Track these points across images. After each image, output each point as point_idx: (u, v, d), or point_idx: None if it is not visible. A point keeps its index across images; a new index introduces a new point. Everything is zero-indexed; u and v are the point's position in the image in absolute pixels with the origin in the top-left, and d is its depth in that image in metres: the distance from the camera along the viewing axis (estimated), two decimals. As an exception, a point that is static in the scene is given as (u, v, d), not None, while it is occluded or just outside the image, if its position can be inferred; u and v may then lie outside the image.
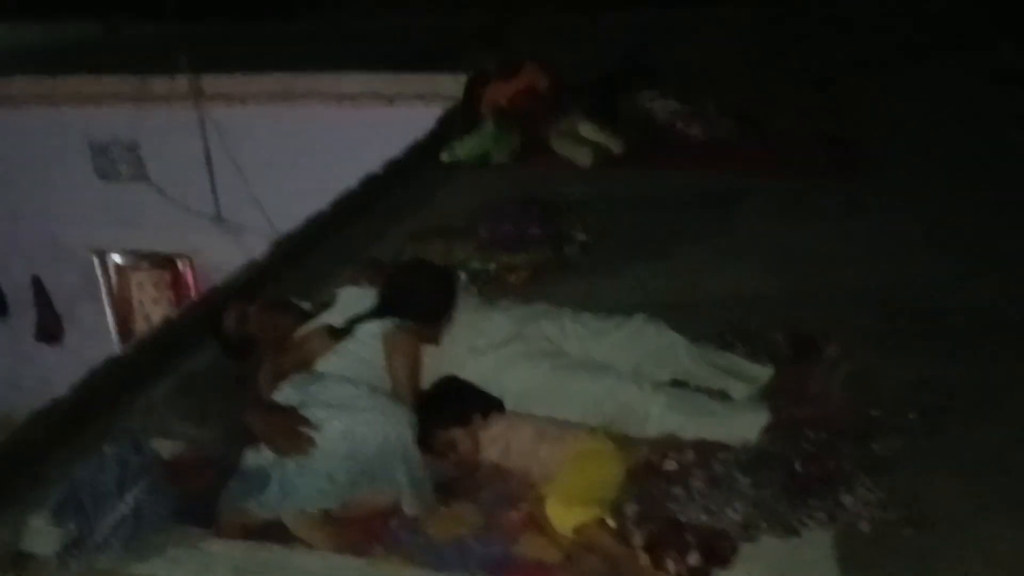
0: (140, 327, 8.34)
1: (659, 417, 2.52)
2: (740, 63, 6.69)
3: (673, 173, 4.85)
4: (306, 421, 2.30)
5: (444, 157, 5.15)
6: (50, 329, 8.73)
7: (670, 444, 2.45)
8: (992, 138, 5.00)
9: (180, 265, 8.31)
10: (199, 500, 2.40)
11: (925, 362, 2.84)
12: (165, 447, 2.61)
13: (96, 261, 8.41)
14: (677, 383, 2.70)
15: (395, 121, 6.50)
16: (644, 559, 2.07)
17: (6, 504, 2.47)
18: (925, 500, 2.23)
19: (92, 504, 2.32)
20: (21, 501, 2.47)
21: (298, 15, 9.35)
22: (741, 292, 3.46)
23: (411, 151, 5.28)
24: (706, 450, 2.41)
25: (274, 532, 2.28)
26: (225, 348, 2.88)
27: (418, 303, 2.70)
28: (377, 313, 2.66)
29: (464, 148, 5.17)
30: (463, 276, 3.58)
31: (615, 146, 5.08)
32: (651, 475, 2.34)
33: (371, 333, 2.61)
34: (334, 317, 2.72)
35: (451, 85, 6.25)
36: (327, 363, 2.58)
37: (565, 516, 2.15)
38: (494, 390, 2.60)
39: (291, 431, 2.30)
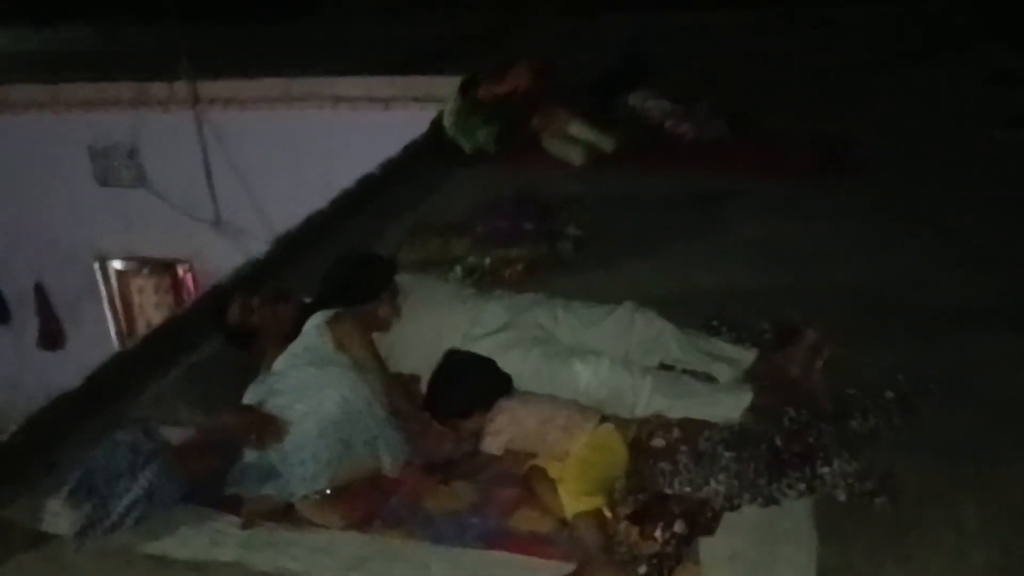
0: (141, 332, 8.44)
1: (647, 399, 2.63)
2: (734, 65, 6.83)
3: (665, 172, 4.96)
4: (268, 414, 2.49)
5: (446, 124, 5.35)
6: (52, 335, 8.83)
7: (658, 423, 2.56)
8: (977, 137, 5.12)
9: (180, 269, 8.41)
10: (207, 482, 2.52)
11: (901, 349, 2.97)
12: (173, 433, 2.71)
13: (97, 267, 8.51)
14: (664, 367, 2.82)
15: (391, 123, 6.63)
16: (633, 531, 2.18)
17: (23, 488, 2.59)
18: (899, 473, 2.35)
19: (106, 487, 2.44)
20: (37, 485, 2.59)
21: (296, 20, 9.45)
22: (729, 287, 3.57)
23: (407, 151, 5.40)
24: (692, 428, 2.52)
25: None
26: (230, 339, 2.99)
27: (346, 290, 2.88)
28: (315, 307, 2.81)
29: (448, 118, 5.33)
30: (458, 270, 3.74)
31: (607, 145, 5.20)
32: (640, 452, 2.45)
33: (314, 325, 2.73)
34: None
35: (446, 87, 6.35)
36: (282, 360, 2.71)
37: (576, 502, 2.23)
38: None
39: (258, 426, 2.48)
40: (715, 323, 3.11)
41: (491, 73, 5.50)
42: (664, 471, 2.37)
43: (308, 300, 2.99)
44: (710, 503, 2.27)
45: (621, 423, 2.58)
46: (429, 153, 5.42)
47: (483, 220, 3.97)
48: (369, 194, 4.80)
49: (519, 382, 2.69)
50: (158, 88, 7.45)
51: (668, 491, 2.30)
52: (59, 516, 2.43)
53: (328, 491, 2.42)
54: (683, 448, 2.45)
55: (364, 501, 2.44)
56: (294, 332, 2.78)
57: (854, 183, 4.57)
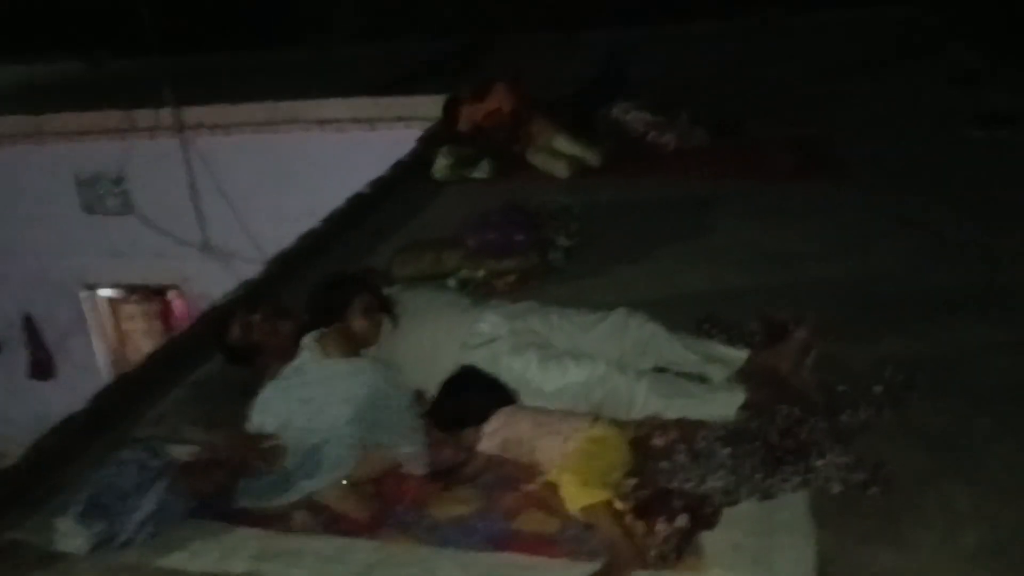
0: (132, 359, 8.45)
1: (643, 401, 2.70)
2: (712, 74, 6.95)
3: (650, 181, 5.06)
4: (267, 439, 2.60)
5: (435, 172, 5.37)
6: (42, 365, 8.82)
7: (655, 424, 2.63)
8: (952, 137, 5.24)
9: (169, 296, 8.42)
10: (215, 497, 2.56)
11: (888, 342, 3.05)
12: (178, 452, 2.76)
13: (86, 295, 8.52)
14: (659, 369, 2.88)
15: (377, 143, 6.70)
16: (638, 526, 2.23)
17: (33, 510, 2.62)
18: (890, 464, 2.41)
19: (115, 505, 2.48)
20: (46, 507, 2.62)
21: (278, 46, 9.52)
22: (718, 289, 3.66)
23: (395, 169, 5.47)
24: (688, 428, 2.59)
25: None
26: (231, 357, 3.04)
27: (320, 311, 2.96)
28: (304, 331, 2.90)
29: (440, 169, 5.38)
30: (451, 283, 3.80)
31: (592, 158, 5.29)
32: (639, 452, 2.51)
33: (305, 346, 2.81)
34: None
35: (429, 106, 6.44)
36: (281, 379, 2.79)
37: (578, 496, 2.28)
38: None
39: (261, 451, 2.57)
40: (706, 325, 3.18)
41: (471, 95, 5.59)
42: (664, 470, 2.44)
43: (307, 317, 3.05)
44: (710, 498, 2.33)
45: (619, 425, 2.65)
46: (417, 171, 5.49)
47: (474, 234, 4.03)
48: (360, 212, 4.86)
49: (517, 387, 2.76)
50: (143, 115, 7.50)
51: (670, 487, 2.35)
52: (70, 536, 2.45)
53: (345, 483, 2.50)
54: (681, 447, 2.52)
55: (380, 490, 2.53)
56: (294, 348, 2.83)
57: (834, 184, 4.67)
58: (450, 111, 5.72)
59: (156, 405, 3.06)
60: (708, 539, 2.23)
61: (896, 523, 2.23)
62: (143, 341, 8.53)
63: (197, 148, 7.53)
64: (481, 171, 5.37)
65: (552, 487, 2.39)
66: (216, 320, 3.19)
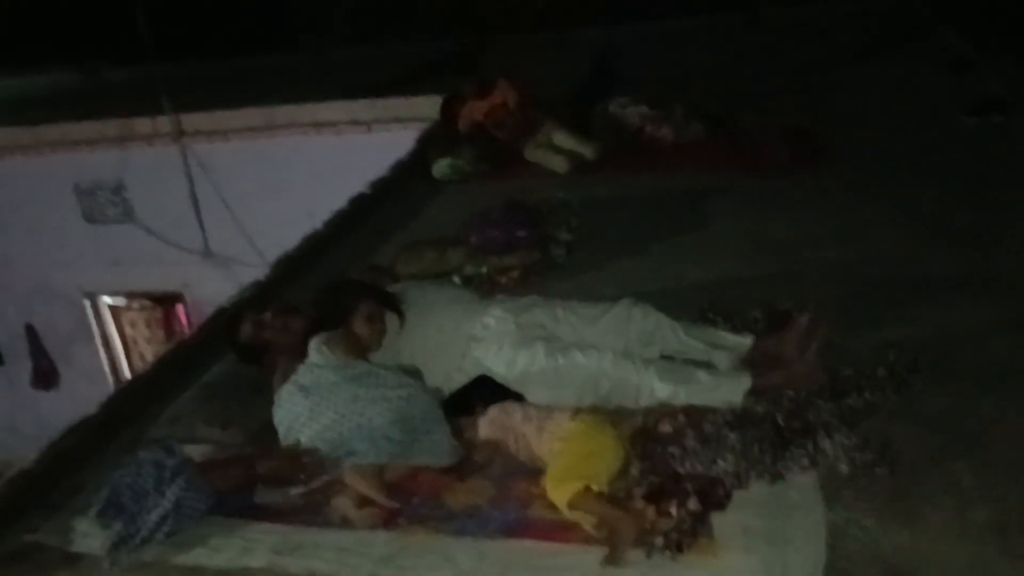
0: (135, 367, 8.48)
1: (651, 389, 2.74)
2: (706, 68, 6.99)
3: (648, 175, 5.10)
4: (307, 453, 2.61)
5: (435, 172, 5.42)
6: (45, 375, 8.85)
7: (663, 411, 2.68)
8: (944, 124, 5.29)
9: (172, 302, 8.45)
10: (233, 493, 2.60)
11: (890, 327, 3.09)
12: (194, 451, 2.79)
13: (88, 304, 8.55)
14: (665, 358, 2.93)
15: (375, 145, 6.72)
16: (650, 510, 2.28)
17: (51, 512, 2.65)
18: (896, 443, 2.46)
19: (134, 504, 2.52)
20: (64, 508, 2.66)
21: (274, 51, 9.54)
22: (719, 278, 3.69)
23: (396, 169, 5.51)
24: (696, 414, 2.63)
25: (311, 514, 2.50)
26: (242, 355, 3.08)
27: (325, 316, 2.99)
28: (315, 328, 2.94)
29: (440, 169, 5.43)
30: (455, 280, 3.84)
31: (589, 153, 5.34)
32: (648, 439, 2.55)
33: (314, 348, 2.83)
34: None
35: (427, 107, 6.48)
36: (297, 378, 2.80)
37: (558, 494, 2.34)
38: (495, 375, 2.83)
39: (301, 466, 2.59)
40: (709, 314, 3.23)
41: (474, 92, 5.63)
42: (674, 455, 2.48)
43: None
44: (721, 481, 2.37)
45: (628, 413, 2.70)
46: (417, 171, 5.52)
47: (476, 231, 4.07)
48: (362, 213, 4.90)
49: (525, 379, 2.81)
50: (141, 123, 7.53)
51: (680, 471, 2.39)
52: (89, 536, 2.49)
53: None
54: (690, 432, 2.56)
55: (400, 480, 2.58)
56: (305, 345, 2.87)
57: (829, 173, 4.72)
58: (448, 111, 5.76)
59: (170, 406, 3.10)
60: (720, 521, 2.27)
61: (904, 501, 2.27)
62: (146, 348, 8.56)
63: (196, 154, 7.55)
64: (480, 166, 5.41)
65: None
66: (226, 320, 3.23)
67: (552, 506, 2.39)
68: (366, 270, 3.71)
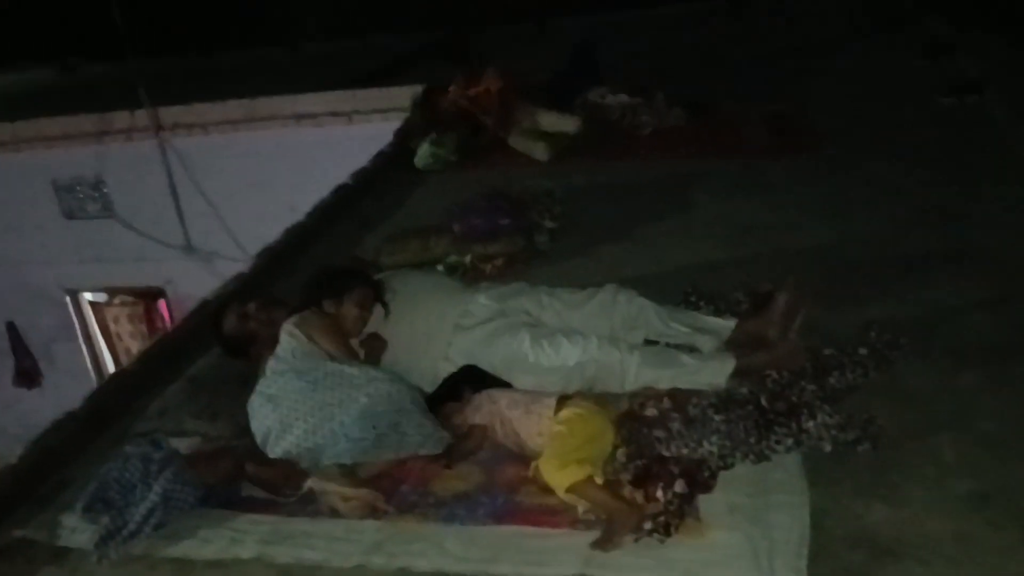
0: (118, 363, 8.43)
1: (636, 373, 2.76)
2: (686, 55, 7.01)
3: (630, 161, 5.13)
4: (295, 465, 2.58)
5: (417, 162, 5.42)
6: (28, 373, 8.78)
7: (648, 395, 2.69)
8: (921, 106, 5.33)
9: (154, 297, 8.40)
10: (221, 486, 2.60)
11: (870, 306, 3.13)
12: (180, 444, 2.78)
13: (69, 300, 8.48)
14: (649, 343, 2.95)
15: (356, 137, 6.69)
16: (637, 494, 2.29)
17: (38, 507, 2.64)
18: (878, 420, 2.49)
19: (121, 497, 2.52)
20: (52, 503, 2.65)
21: (252, 44, 9.48)
22: (702, 262, 3.72)
23: (377, 160, 5.50)
24: (681, 397, 2.65)
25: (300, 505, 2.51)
26: (227, 348, 3.07)
27: (318, 290, 2.99)
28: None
29: (422, 159, 5.43)
30: (440, 269, 3.85)
31: (571, 127, 5.35)
32: (634, 422, 2.57)
33: (285, 332, 2.83)
34: None
35: (407, 98, 6.47)
36: (271, 364, 2.79)
37: (558, 477, 2.34)
38: (482, 362, 2.84)
39: (287, 477, 2.56)
40: (692, 297, 3.25)
41: (463, 80, 5.65)
42: (659, 438, 2.49)
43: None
44: (707, 463, 2.39)
45: (613, 398, 2.71)
46: (399, 161, 5.52)
47: (459, 220, 4.07)
48: (345, 204, 4.89)
49: (511, 365, 2.82)
50: (119, 118, 7.45)
51: (665, 454, 2.41)
52: (77, 530, 2.48)
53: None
54: (675, 415, 2.57)
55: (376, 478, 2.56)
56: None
57: (810, 156, 4.75)
58: (430, 98, 5.78)
59: (156, 400, 3.08)
60: (706, 502, 2.29)
61: (887, 477, 2.30)
62: (130, 343, 8.51)
63: (175, 149, 7.49)
64: (457, 150, 5.42)
65: (539, 476, 2.45)
66: (210, 313, 3.22)
67: (540, 491, 2.41)
68: (348, 261, 3.70)
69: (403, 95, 6.62)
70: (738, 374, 2.73)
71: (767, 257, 3.66)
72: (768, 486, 2.33)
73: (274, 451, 2.59)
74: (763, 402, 2.59)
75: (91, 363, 8.65)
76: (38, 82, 9.62)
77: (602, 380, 2.80)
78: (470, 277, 3.74)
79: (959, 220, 3.76)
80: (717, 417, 2.53)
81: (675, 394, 2.68)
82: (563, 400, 2.60)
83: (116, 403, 3.08)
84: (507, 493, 2.45)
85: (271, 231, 4.60)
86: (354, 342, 2.93)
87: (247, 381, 2.93)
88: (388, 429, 2.55)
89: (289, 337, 2.79)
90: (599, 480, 2.34)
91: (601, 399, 2.71)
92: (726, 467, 2.40)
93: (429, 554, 2.28)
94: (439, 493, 2.50)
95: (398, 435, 2.57)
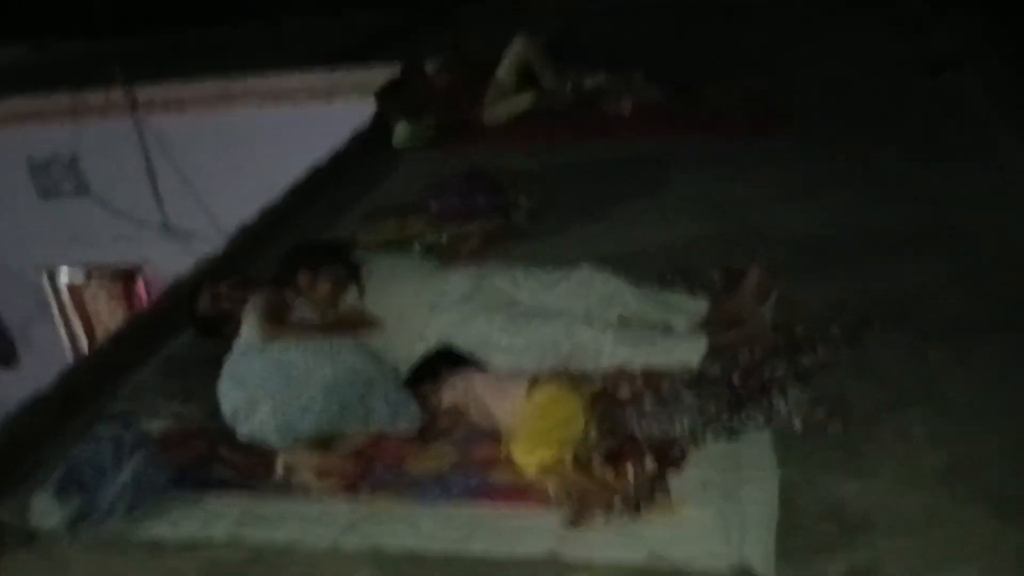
0: (97, 342, 8.38)
1: (610, 352, 2.76)
2: (664, 34, 6.99)
3: (607, 140, 5.11)
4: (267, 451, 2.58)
5: (395, 142, 5.41)
6: (4, 354, 8.70)
7: (622, 375, 2.70)
8: (897, 84, 5.35)
9: (131, 277, 8.35)
10: (194, 467, 2.60)
11: (842, 283, 3.14)
12: (154, 425, 2.78)
13: (46, 280, 8.41)
14: (624, 322, 2.95)
15: (335, 116, 6.63)
16: (608, 472, 2.31)
17: (8, 489, 2.63)
18: (849, 399, 2.51)
19: (92, 479, 2.49)
20: (21, 484, 2.63)
21: (227, 22, 9.36)
22: (677, 241, 3.72)
23: (354, 140, 5.46)
24: (654, 376, 2.66)
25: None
26: (201, 328, 3.06)
27: (294, 264, 3.05)
28: None
29: (400, 138, 5.41)
30: (416, 248, 3.84)
31: (546, 80, 5.43)
32: (607, 402, 2.58)
33: (245, 320, 2.83)
34: None
35: (386, 76, 6.42)
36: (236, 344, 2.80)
37: (529, 458, 2.36)
38: (458, 342, 2.84)
39: (260, 458, 2.57)
40: (668, 276, 3.26)
41: (446, 66, 5.64)
42: (632, 416, 2.51)
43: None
44: (677, 441, 2.40)
45: (586, 378, 2.72)
46: (376, 141, 5.48)
47: (436, 199, 4.07)
48: (320, 184, 4.85)
49: (486, 345, 2.82)
50: (94, 96, 7.36)
51: (637, 433, 2.42)
52: (47, 513, 2.46)
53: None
54: (647, 394, 2.59)
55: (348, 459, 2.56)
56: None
57: (788, 135, 4.75)
58: (412, 77, 5.76)
59: (129, 381, 3.07)
60: (678, 479, 2.30)
61: (857, 453, 2.32)
62: (109, 322, 8.46)
63: (151, 127, 7.41)
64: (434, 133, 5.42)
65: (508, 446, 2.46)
66: (183, 293, 3.20)
67: (513, 469, 2.42)
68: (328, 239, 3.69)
69: (382, 74, 6.57)
70: (710, 353, 2.74)
71: (743, 236, 3.66)
72: (740, 462, 2.34)
73: (242, 430, 2.58)
74: (735, 380, 2.61)
75: (68, 343, 8.60)
76: (11, 61, 9.46)
77: (576, 358, 2.79)
78: (446, 257, 3.72)
79: (931, 198, 3.78)
80: (689, 395, 2.55)
81: (648, 373, 2.69)
82: (536, 381, 2.61)
83: (88, 384, 3.06)
84: (481, 473, 2.45)
85: (249, 210, 4.57)
86: (341, 313, 2.94)
87: (221, 362, 2.92)
88: (355, 401, 2.56)
89: (247, 326, 2.80)
90: (569, 460, 2.34)
91: (575, 379, 2.72)
92: (698, 444, 2.41)
93: (403, 533, 2.27)
94: (413, 472, 2.50)
95: (364, 408, 2.57)
